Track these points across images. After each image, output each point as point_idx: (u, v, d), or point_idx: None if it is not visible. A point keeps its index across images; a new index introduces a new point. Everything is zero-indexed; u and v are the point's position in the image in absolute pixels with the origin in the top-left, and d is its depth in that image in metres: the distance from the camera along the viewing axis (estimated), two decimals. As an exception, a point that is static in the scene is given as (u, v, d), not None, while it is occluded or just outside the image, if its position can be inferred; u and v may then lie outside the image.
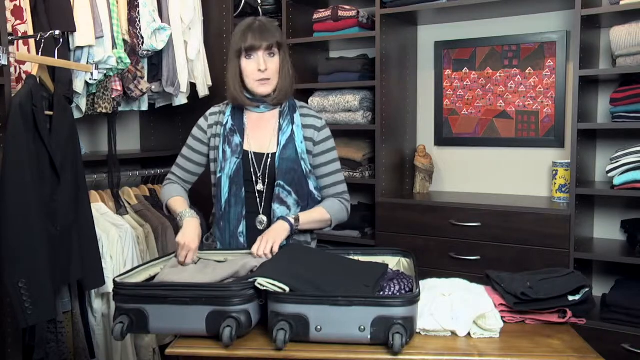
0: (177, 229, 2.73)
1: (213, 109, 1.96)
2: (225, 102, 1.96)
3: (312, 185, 1.86)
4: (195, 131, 1.95)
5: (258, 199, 1.85)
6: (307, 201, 1.85)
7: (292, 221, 1.76)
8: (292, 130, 1.85)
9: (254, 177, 1.84)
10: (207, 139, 1.92)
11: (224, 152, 1.85)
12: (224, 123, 1.88)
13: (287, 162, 1.83)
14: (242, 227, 1.82)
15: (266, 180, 1.84)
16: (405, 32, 3.17)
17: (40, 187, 1.98)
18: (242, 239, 1.82)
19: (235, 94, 1.84)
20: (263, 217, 1.84)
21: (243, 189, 1.83)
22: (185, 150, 1.96)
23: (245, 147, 1.86)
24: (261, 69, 1.78)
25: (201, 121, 1.95)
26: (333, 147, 1.93)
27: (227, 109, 1.92)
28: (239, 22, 3.00)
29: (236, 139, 1.85)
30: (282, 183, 1.81)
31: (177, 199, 1.89)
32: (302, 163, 1.84)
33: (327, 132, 1.92)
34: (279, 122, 1.87)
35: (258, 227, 1.83)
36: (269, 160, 1.84)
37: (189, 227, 1.75)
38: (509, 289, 1.52)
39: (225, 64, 2.95)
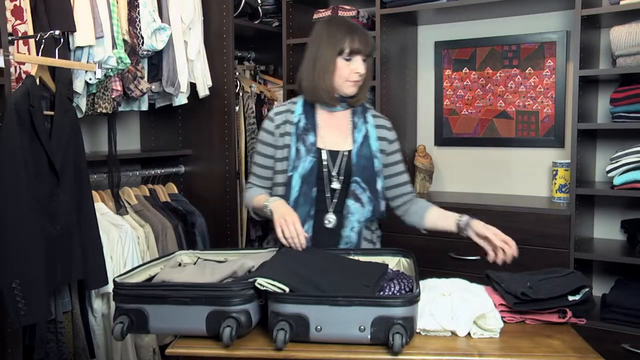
0: (177, 229, 2.74)
1: (278, 109, 1.93)
2: (290, 101, 1.95)
3: (379, 184, 1.87)
4: (262, 136, 1.91)
5: (330, 198, 1.84)
6: (378, 199, 1.86)
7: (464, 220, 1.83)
8: (367, 128, 1.89)
9: (328, 175, 1.84)
10: (275, 140, 1.89)
11: (297, 150, 1.83)
12: (295, 121, 1.86)
13: (363, 159, 1.85)
14: (307, 227, 1.79)
15: (341, 178, 1.84)
16: (405, 32, 3.17)
17: (37, 187, 1.97)
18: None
19: (324, 91, 1.83)
20: (332, 216, 1.84)
21: (314, 188, 1.81)
22: (258, 158, 1.92)
23: (319, 145, 1.85)
24: (360, 72, 1.81)
25: (267, 124, 1.91)
26: (401, 148, 2.03)
27: (294, 107, 1.90)
28: (239, 22, 3.03)
29: (310, 138, 1.84)
30: (358, 179, 1.82)
31: (259, 197, 1.85)
32: (375, 161, 1.87)
33: (395, 133, 2.01)
34: (353, 121, 1.90)
35: (326, 225, 1.83)
36: (345, 157, 1.85)
37: (281, 205, 1.72)
38: (509, 288, 1.52)
39: (225, 63, 2.96)
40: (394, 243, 2.84)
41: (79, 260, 2.13)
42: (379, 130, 1.93)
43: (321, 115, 1.90)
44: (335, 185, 1.84)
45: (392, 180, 1.95)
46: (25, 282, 1.89)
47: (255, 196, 1.87)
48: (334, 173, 1.84)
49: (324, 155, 1.85)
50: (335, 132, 1.89)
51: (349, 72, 1.81)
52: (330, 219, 1.83)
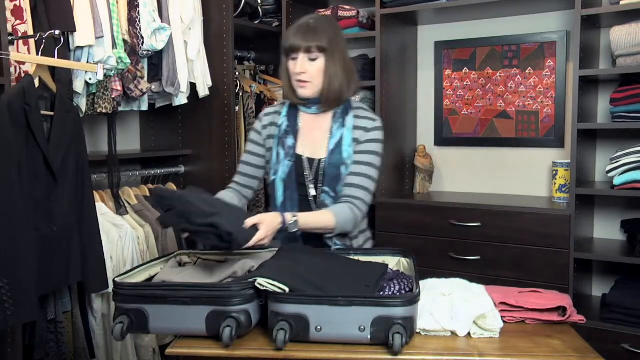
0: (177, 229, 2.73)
1: (267, 110, 1.93)
2: (281, 102, 1.95)
3: None
4: (251, 135, 1.93)
5: (313, 204, 1.82)
6: None
7: (287, 218, 1.63)
8: (342, 134, 1.81)
9: (306, 182, 1.82)
10: (263, 141, 1.90)
11: (277, 154, 1.83)
12: (279, 124, 1.86)
13: (332, 168, 1.79)
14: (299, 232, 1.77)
15: (318, 185, 1.81)
16: (405, 32, 3.17)
17: (31, 188, 1.95)
18: (300, 242, 1.79)
19: (286, 92, 1.84)
20: None
21: (297, 193, 1.80)
22: (244, 156, 1.93)
23: (299, 151, 1.83)
24: (296, 72, 1.76)
25: (256, 124, 1.93)
26: (375, 152, 1.81)
27: (282, 108, 1.90)
28: (239, 22, 3.04)
29: (289, 141, 1.83)
30: (327, 189, 1.79)
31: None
32: (343, 168, 1.78)
33: (376, 135, 1.82)
34: (331, 126, 1.84)
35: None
36: (320, 165, 1.82)
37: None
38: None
39: (225, 63, 2.97)
40: (394, 243, 2.85)
41: (77, 262, 2.12)
42: (355, 131, 1.81)
43: (304, 118, 1.87)
44: (312, 192, 1.81)
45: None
46: (13, 282, 1.86)
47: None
48: (310, 179, 1.82)
49: (304, 163, 1.82)
50: (315, 137, 1.85)
51: (292, 72, 1.78)
52: None
